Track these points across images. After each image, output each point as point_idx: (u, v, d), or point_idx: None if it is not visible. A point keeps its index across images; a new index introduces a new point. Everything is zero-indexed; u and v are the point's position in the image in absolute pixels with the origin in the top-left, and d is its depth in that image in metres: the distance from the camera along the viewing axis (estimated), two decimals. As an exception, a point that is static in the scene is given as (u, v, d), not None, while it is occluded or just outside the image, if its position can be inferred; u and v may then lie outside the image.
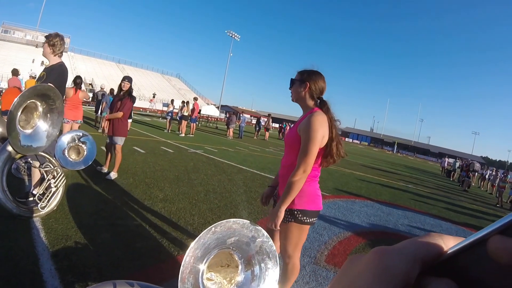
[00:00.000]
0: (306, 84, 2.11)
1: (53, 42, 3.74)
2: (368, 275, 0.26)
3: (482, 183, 20.38)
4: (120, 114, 5.45)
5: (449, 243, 0.27)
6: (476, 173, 19.98)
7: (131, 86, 5.69)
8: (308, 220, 2.07)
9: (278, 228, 2.05)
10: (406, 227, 5.62)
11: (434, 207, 8.43)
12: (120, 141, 5.59)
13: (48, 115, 3.30)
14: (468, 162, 21.25)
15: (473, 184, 18.82)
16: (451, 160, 29.65)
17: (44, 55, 3.83)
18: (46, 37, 3.80)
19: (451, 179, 22.17)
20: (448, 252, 0.27)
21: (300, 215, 2.06)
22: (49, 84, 3.28)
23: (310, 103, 2.14)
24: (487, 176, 19.27)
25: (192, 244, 1.77)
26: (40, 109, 3.22)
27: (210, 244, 1.88)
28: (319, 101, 2.14)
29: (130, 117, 12.59)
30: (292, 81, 2.21)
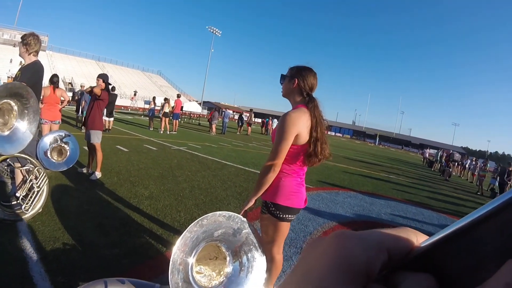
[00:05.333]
0: (295, 80, 2.12)
1: (27, 41, 3.69)
2: (325, 263, 0.24)
3: (462, 172, 20.91)
4: (98, 91, 5.40)
5: (422, 240, 0.26)
6: (456, 163, 20.55)
7: (106, 83, 5.63)
8: (282, 216, 2.07)
9: (242, 215, 2.09)
10: (389, 216, 5.78)
11: (416, 196, 8.66)
12: (96, 137, 5.49)
13: (24, 114, 3.25)
14: (449, 152, 21.84)
15: (454, 174, 19.34)
16: (433, 151, 30.35)
17: (19, 55, 3.78)
18: (21, 37, 3.76)
19: (433, 170, 22.70)
20: (423, 245, 0.25)
21: (273, 209, 2.08)
22: (20, 82, 3.24)
23: (298, 99, 2.14)
24: (467, 166, 19.79)
25: (180, 238, 1.81)
26: (16, 108, 3.18)
27: (198, 237, 1.93)
28: (307, 97, 2.13)
29: (111, 115, 12.61)
30: (282, 77, 2.22)
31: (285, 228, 2.16)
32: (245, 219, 2.12)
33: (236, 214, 2.08)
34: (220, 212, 2.01)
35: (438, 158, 23.02)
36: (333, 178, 9.11)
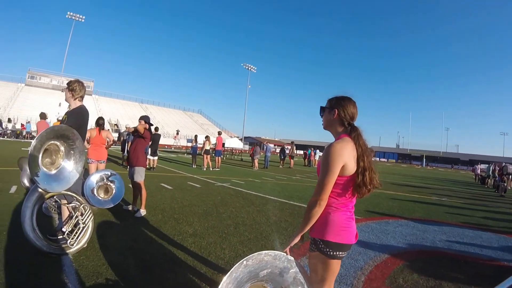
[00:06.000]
0: (334, 111, 2.06)
1: (72, 87, 3.92)
2: None
3: (519, 185, 19.23)
4: (141, 129, 5.57)
5: None
6: (511, 176, 19.05)
7: (147, 123, 5.82)
8: (332, 253, 1.94)
9: (287, 252, 1.98)
10: (444, 242, 5.37)
11: (472, 217, 8.08)
12: (139, 175, 5.61)
13: (71, 155, 3.44)
14: (501, 165, 20.34)
15: (509, 188, 17.91)
16: (484, 166, 28.52)
17: (66, 100, 4.01)
18: (67, 84, 4.01)
19: (486, 186, 21.21)
20: None
21: (322, 246, 1.95)
22: (65, 125, 3.43)
23: (340, 129, 2.08)
24: (523, 177, 18.28)
25: (224, 279, 1.74)
26: (62, 149, 3.36)
27: (242, 278, 1.85)
28: (349, 127, 2.06)
29: (155, 154, 13.04)
30: (322, 109, 2.17)
31: (335, 266, 2.02)
32: (292, 258, 2.01)
33: (282, 253, 1.98)
34: (266, 251, 1.93)
35: (491, 173, 21.42)
36: (381, 206, 8.69)
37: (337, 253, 1.94)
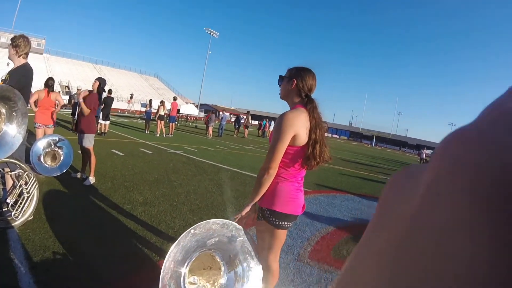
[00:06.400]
0: (293, 80, 2.06)
1: (17, 43, 3.62)
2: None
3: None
4: (86, 111, 5.27)
5: None
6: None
7: (100, 84, 5.56)
8: (278, 223, 1.99)
9: (237, 221, 2.02)
10: (387, 218, 5.71)
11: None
12: (88, 141, 5.36)
13: (13, 118, 3.17)
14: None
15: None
16: (429, 152, 30.53)
17: (9, 57, 3.70)
18: (11, 39, 3.69)
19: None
20: None
21: (269, 215, 2.00)
22: (6, 85, 3.16)
23: (296, 100, 2.08)
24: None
25: (172, 248, 1.74)
26: (3, 111, 3.09)
27: (190, 247, 1.86)
28: (306, 99, 2.07)
29: (107, 118, 12.51)
30: (281, 78, 2.17)
31: (282, 235, 2.08)
32: (240, 227, 2.04)
33: (230, 222, 2.01)
34: (214, 220, 1.94)
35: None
36: (330, 180, 9.04)
37: (283, 223, 2.00)
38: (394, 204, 0.20)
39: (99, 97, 5.65)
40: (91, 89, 5.52)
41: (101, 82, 5.61)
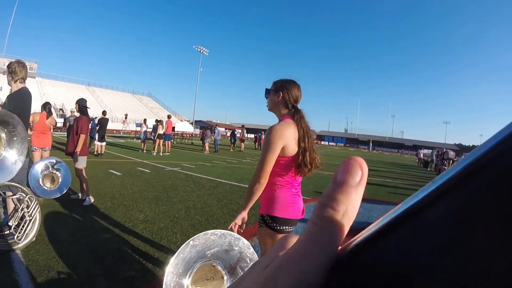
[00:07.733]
0: (279, 93, 2.13)
1: (12, 69, 3.69)
2: None
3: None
4: (82, 138, 5.34)
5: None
6: (451, 161, 20.65)
7: (79, 105, 5.58)
8: (279, 228, 2.05)
9: (233, 229, 2.08)
10: (387, 221, 5.75)
11: (413, 197, 8.67)
12: (79, 163, 5.40)
13: (13, 142, 3.21)
14: (443, 151, 21.98)
15: (449, 171, 19.48)
16: (427, 151, 30.60)
17: (8, 84, 3.77)
18: (7, 66, 3.76)
19: (428, 169, 22.76)
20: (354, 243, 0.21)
21: (269, 221, 2.06)
22: (4, 110, 3.20)
23: (284, 111, 2.15)
24: (462, 162, 19.99)
25: (172, 260, 1.77)
26: (3, 135, 3.13)
27: (190, 258, 1.89)
28: (293, 109, 2.13)
29: (103, 139, 12.54)
30: (267, 91, 2.24)
31: None
32: (237, 236, 2.08)
33: (227, 231, 2.05)
34: (212, 230, 1.98)
35: (434, 158, 23.12)
36: (329, 188, 9.04)
37: (284, 227, 2.06)
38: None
39: (87, 116, 5.67)
40: (76, 115, 5.56)
41: (80, 102, 5.62)
